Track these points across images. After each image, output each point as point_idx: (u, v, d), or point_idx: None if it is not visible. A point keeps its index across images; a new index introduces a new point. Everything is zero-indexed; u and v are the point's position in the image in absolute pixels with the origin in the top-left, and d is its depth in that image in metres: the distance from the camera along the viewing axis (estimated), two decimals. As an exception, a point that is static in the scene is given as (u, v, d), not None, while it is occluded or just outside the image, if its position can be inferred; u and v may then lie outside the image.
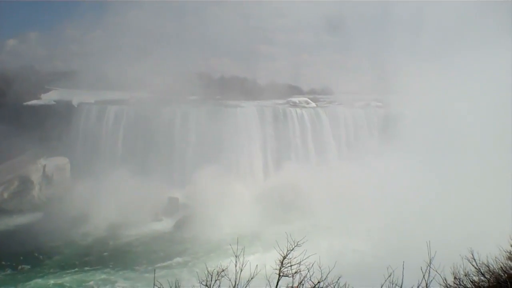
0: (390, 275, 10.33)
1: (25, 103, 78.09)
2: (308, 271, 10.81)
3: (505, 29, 64.11)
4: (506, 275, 13.03)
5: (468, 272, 12.89)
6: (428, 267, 10.41)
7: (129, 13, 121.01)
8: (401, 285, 10.36)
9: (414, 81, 69.93)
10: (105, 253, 52.51)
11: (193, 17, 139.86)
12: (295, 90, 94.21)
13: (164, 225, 61.86)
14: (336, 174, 66.62)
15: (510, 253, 13.31)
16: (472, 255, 12.86)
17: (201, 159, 67.12)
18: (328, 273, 11.03)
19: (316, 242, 45.34)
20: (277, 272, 11.02)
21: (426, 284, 10.41)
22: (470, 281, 12.98)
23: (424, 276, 10.34)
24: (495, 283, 12.67)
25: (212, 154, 68.44)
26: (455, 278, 12.64)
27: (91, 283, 45.40)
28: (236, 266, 11.34)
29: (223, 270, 11.16)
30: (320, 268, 11.05)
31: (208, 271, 11.20)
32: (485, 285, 12.79)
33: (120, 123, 73.32)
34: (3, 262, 48.61)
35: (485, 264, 12.99)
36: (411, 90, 68.77)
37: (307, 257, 11.27)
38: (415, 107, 68.71)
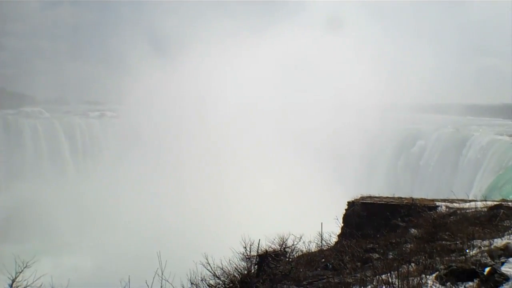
0: (124, 288, 9.97)
1: None
2: (40, 291, 9.94)
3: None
4: (240, 275, 13.46)
5: (204, 276, 13.04)
6: (156, 275, 10.21)
7: None
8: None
9: (150, 87, 70.92)
10: None
11: None
12: (28, 100, 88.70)
13: None
14: (75, 189, 64.20)
15: (242, 254, 13.78)
16: (207, 259, 13.03)
17: None
18: (62, 292, 10.30)
19: (53, 260, 43.13)
20: (6, 297, 9.91)
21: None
22: (207, 285, 13.16)
23: (151, 286, 10.15)
24: (230, 284, 12.99)
25: None
26: (192, 284, 12.72)
27: None
28: None
29: None
30: (53, 288, 10.26)
31: None
32: (221, 287, 13.07)
33: None
34: None
35: (219, 267, 13.26)
36: (147, 97, 69.60)
37: (39, 278, 10.31)
38: (152, 116, 69.56)
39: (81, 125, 76.75)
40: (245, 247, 13.78)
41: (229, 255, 13.61)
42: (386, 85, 66.57)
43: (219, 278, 13.20)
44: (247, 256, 13.77)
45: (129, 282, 10.01)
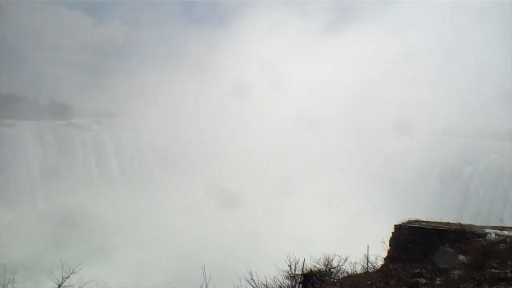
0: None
1: None
2: (85, 298, 10.07)
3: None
4: (283, 293, 13.40)
5: (249, 292, 13.02)
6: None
7: None
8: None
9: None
10: None
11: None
12: (78, 112, 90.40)
13: None
14: (122, 199, 65.10)
15: (287, 272, 13.71)
16: (251, 275, 13.00)
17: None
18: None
19: (99, 267, 43.65)
20: (51, 302, 10.06)
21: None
22: (251, 301, 13.14)
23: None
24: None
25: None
26: (236, 298, 12.72)
27: None
28: (1, 300, 10.12)
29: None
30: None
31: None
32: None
33: None
34: None
35: (264, 284, 13.22)
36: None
37: (85, 284, 10.47)
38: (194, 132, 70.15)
39: (129, 138, 77.96)
40: (290, 266, 13.68)
41: (273, 272, 13.56)
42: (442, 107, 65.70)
43: (262, 295, 13.16)
44: (291, 275, 13.67)
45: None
